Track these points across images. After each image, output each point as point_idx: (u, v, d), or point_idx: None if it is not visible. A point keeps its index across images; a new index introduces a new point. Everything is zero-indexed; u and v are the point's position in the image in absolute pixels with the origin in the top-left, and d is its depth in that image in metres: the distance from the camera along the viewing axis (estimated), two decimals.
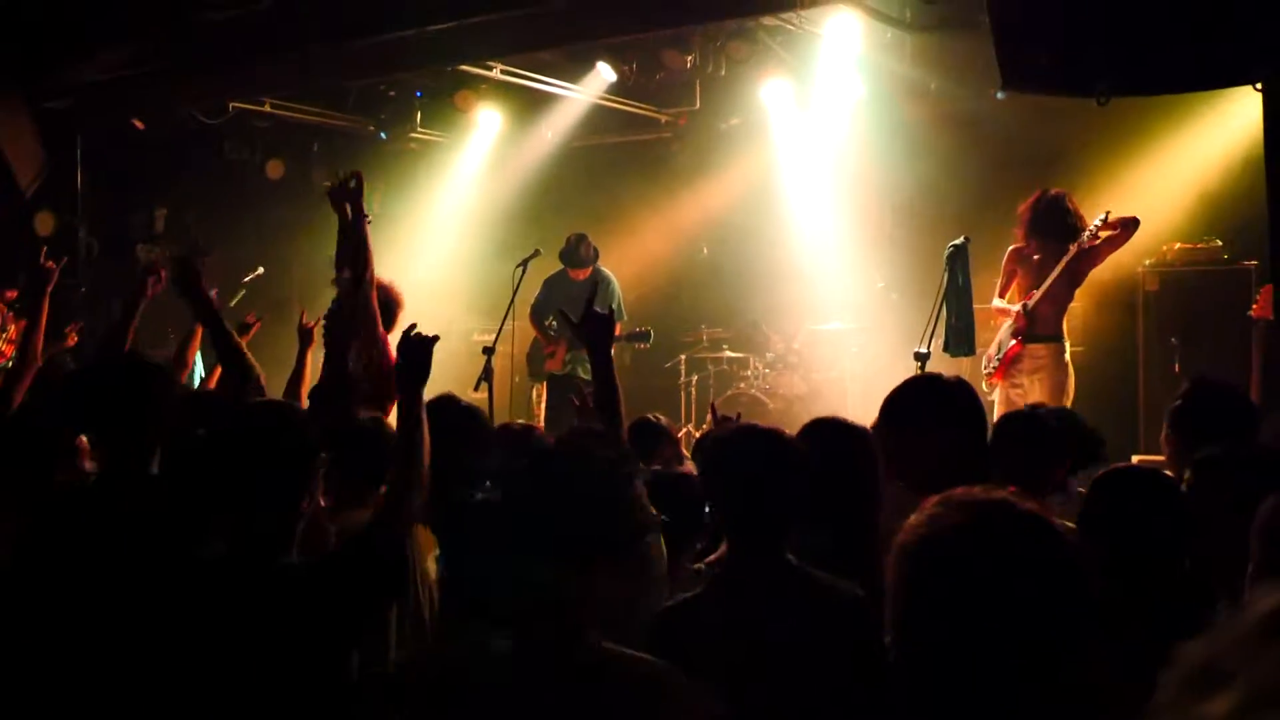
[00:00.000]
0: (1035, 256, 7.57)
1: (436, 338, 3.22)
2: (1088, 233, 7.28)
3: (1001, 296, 7.74)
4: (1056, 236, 7.44)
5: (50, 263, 5.22)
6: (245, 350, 4.42)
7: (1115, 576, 2.71)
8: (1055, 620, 1.61)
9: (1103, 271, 7.96)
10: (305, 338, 5.80)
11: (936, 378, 3.47)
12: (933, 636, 1.64)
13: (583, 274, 9.12)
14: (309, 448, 2.86)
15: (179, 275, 4.07)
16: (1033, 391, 7.38)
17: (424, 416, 3.03)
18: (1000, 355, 7.54)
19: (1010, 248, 7.74)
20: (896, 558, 1.68)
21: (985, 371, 7.63)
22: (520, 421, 5.24)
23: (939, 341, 7.06)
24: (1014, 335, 7.48)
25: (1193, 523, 2.76)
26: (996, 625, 1.60)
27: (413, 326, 3.28)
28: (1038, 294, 7.41)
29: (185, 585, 2.77)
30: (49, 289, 5.12)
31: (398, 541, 2.85)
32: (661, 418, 5.30)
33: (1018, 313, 7.46)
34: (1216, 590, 2.65)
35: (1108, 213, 7.31)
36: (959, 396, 3.25)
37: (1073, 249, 7.35)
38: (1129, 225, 7.39)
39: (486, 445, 4.00)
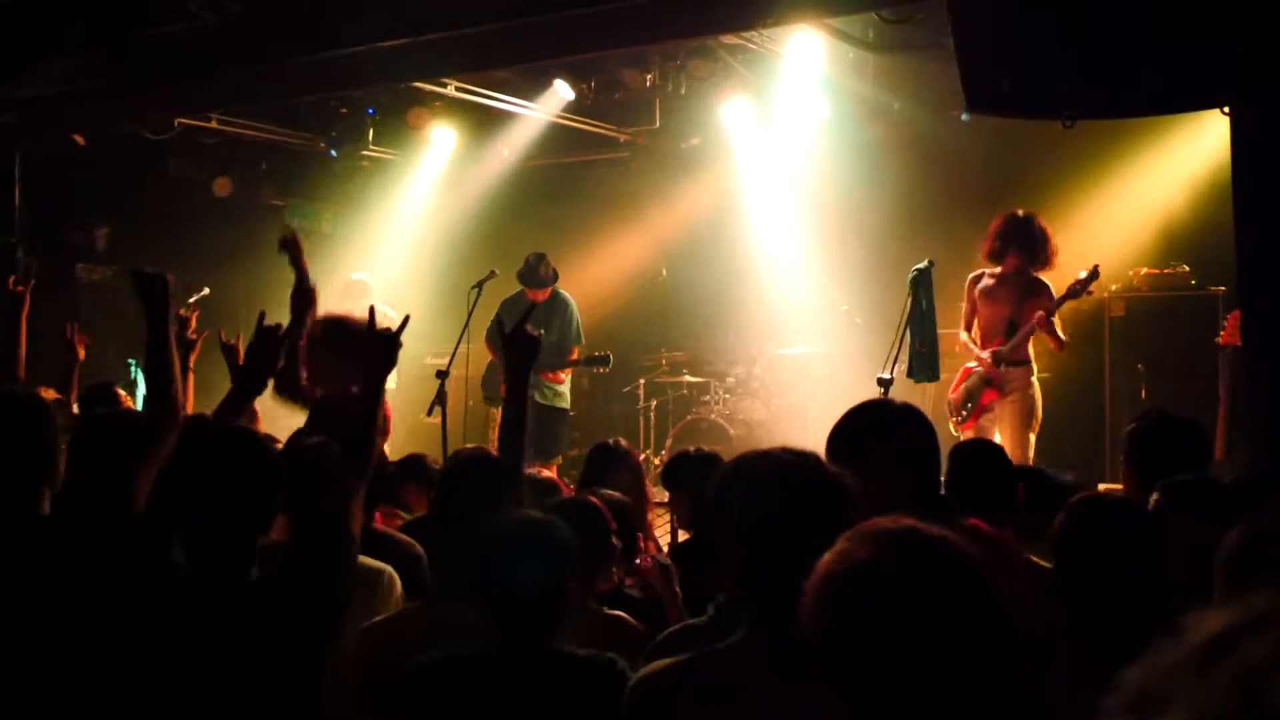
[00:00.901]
0: (991, 282, 7.60)
1: (400, 331, 3.28)
2: (1077, 282, 7.29)
3: (967, 328, 7.78)
4: (1026, 256, 7.48)
5: (19, 287, 5.19)
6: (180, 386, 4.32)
7: (1086, 601, 2.71)
8: (968, 642, 1.62)
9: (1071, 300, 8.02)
10: (228, 356, 5.60)
11: (881, 410, 3.32)
12: (850, 668, 1.64)
13: (541, 295, 9.06)
14: (268, 466, 2.90)
15: (150, 291, 3.82)
16: (1003, 416, 7.41)
17: (378, 409, 3.08)
18: (972, 406, 7.57)
19: (969, 276, 7.77)
20: (809, 599, 1.69)
21: (955, 419, 7.64)
22: (470, 445, 5.17)
23: (903, 367, 7.06)
24: (987, 383, 7.51)
25: (1160, 548, 2.76)
26: (913, 653, 1.61)
27: (372, 323, 3.30)
28: (1011, 343, 7.44)
29: (154, 606, 2.78)
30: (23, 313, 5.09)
31: (348, 540, 2.89)
32: (623, 441, 5.26)
33: (987, 360, 7.48)
34: (1180, 615, 2.64)
35: (1096, 266, 7.33)
36: (908, 430, 3.07)
37: (1051, 296, 7.37)
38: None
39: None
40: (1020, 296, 7.51)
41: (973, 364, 7.69)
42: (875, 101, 9.96)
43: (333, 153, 11.33)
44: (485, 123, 11.08)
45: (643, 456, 10.74)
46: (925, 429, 3.07)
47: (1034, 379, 7.53)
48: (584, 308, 9.48)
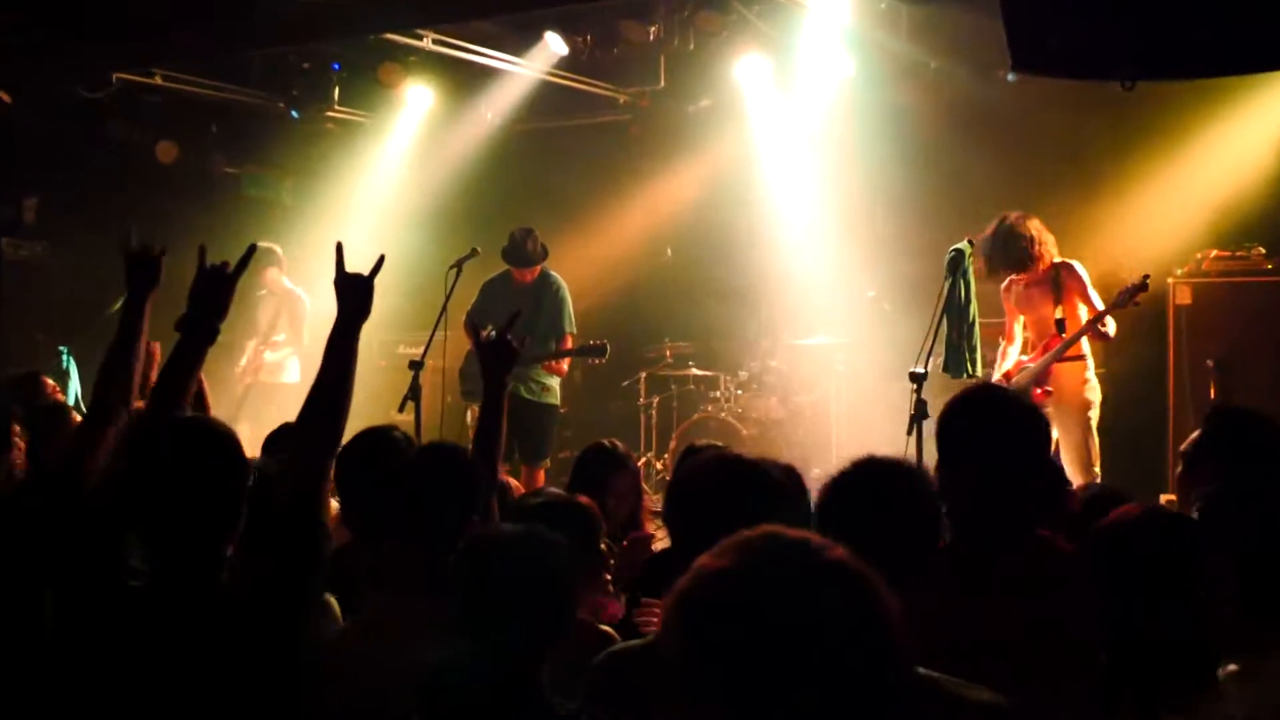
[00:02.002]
0: (1021, 288, 7.66)
1: (374, 273, 3.47)
2: (1122, 293, 7.33)
3: (1009, 340, 7.82)
4: (1009, 267, 7.56)
5: None
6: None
7: (1123, 633, 2.71)
8: (842, 661, 1.61)
9: (1128, 281, 8.01)
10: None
11: (875, 473, 3.21)
12: (705, 690, 1.64)
13: (529, 275, 9.04)
14: (238, 466, 2.95)
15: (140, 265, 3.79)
16: (1057, 418, 7.44)
17: (350, 367, 3.20)
18: None
19: (1001, 286, 7.83)
20: (666, 608, 1.71)
21: None
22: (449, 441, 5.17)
23: (938, 360, 7.07)
24: (1035, 384, 7.54)
25: (1200, 571, 2.76)
26: (775, 674, 1.61)
27: (340, 264, 3.44)
28: (1030, 369, 7.50)
29: (118, 618, 2.82)
30: None
31: (316, 509, 2.94)
32: (619, 444, 5.27)
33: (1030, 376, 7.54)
34: (1218, 642, 2.69)
35: (1146, 277, 7.35)
36: (908, 499, 2.98)
37: (1092, 312, 7.41)
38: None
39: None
40: (1055, 289, 7.56)
41: (1013, 361, 7.71)
42: (909, 60, 9.94)
43: (293, 114, 11.32)
44: (466, 81, 11.06)
45: (643, 460, 10.76)
46: (919, 498, 2.99)
47: (1089, 374, 7.55)
48: (577, 291, 9.46)
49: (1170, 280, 8.78)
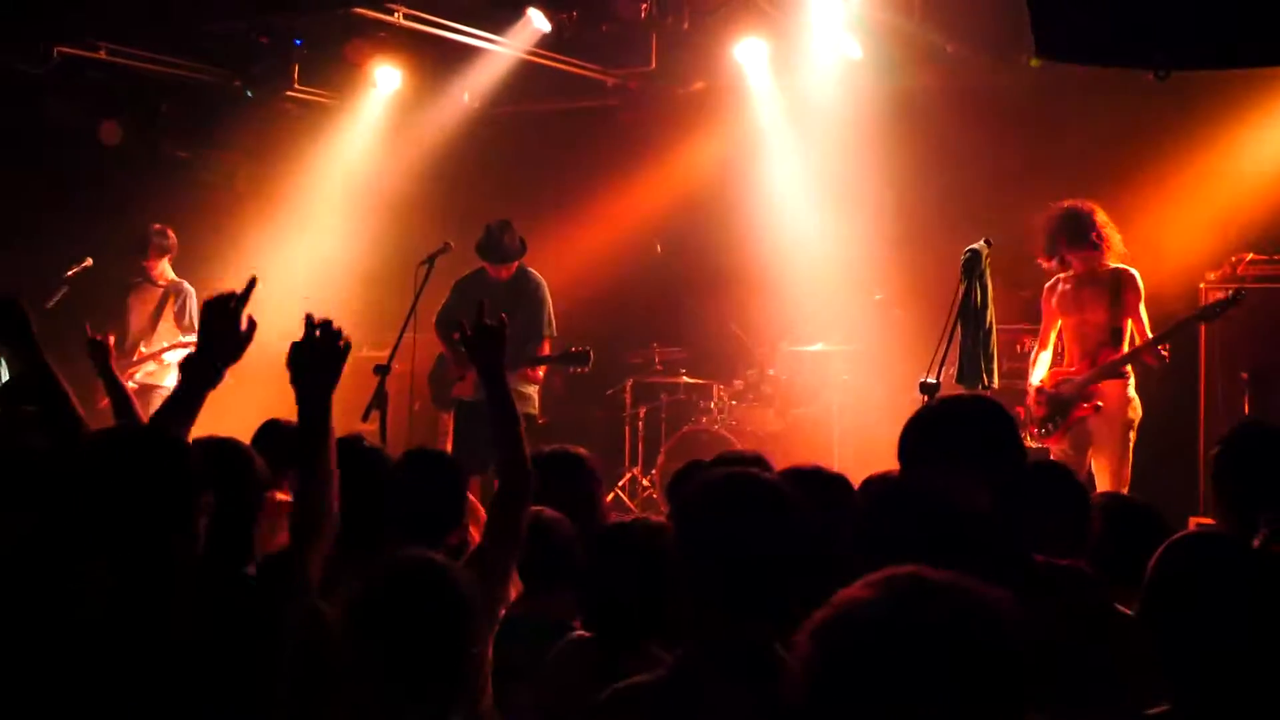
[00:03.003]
0: (1069, 288, 7.70)
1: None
2: (1213, 305, 7.43)
3: (1044, 345, 7.87)
4: (1074, 247, 7.62)
5: None
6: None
7: (1185, 669, 2.69)
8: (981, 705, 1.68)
9: (1156, 287, 8.05)
10: (96, 356, 5.50)
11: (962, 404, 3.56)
12: None
13: (505, 272, 9.05)
14: (188, 479, 3.01)
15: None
16: (1099, 435, 7.53)
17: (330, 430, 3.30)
18: (1061, 420, 7.69)
19: (1045, 285, 7.87)
20: (800, 651, 1.77)
21: (1036, 431, 7.75)
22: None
23: (952, 370, 7.09)
24: (1082, 397, 7.60)
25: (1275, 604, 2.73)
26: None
27: (309, 319, 3.47)
28: (1077, 381, 7.57)
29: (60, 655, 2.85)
30: None
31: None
32: (581, 450, 5.30)
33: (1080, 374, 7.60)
34: None
35: (1240, 290, 7.42)
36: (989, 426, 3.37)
37: (1140, 329, 7.53)
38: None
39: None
40: (1112, 295, 7.62)
41: (1045, 369, 7.76)
42: (922, 43, 9.97)
43: (250, 93, 11.31)
44: (440, 60, 11.06)
45: (628, 476, 10.79)
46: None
47: (1131, 390, 7.62)
48: (559, 290, 9.47)
49: (1202, 285, 8.85)
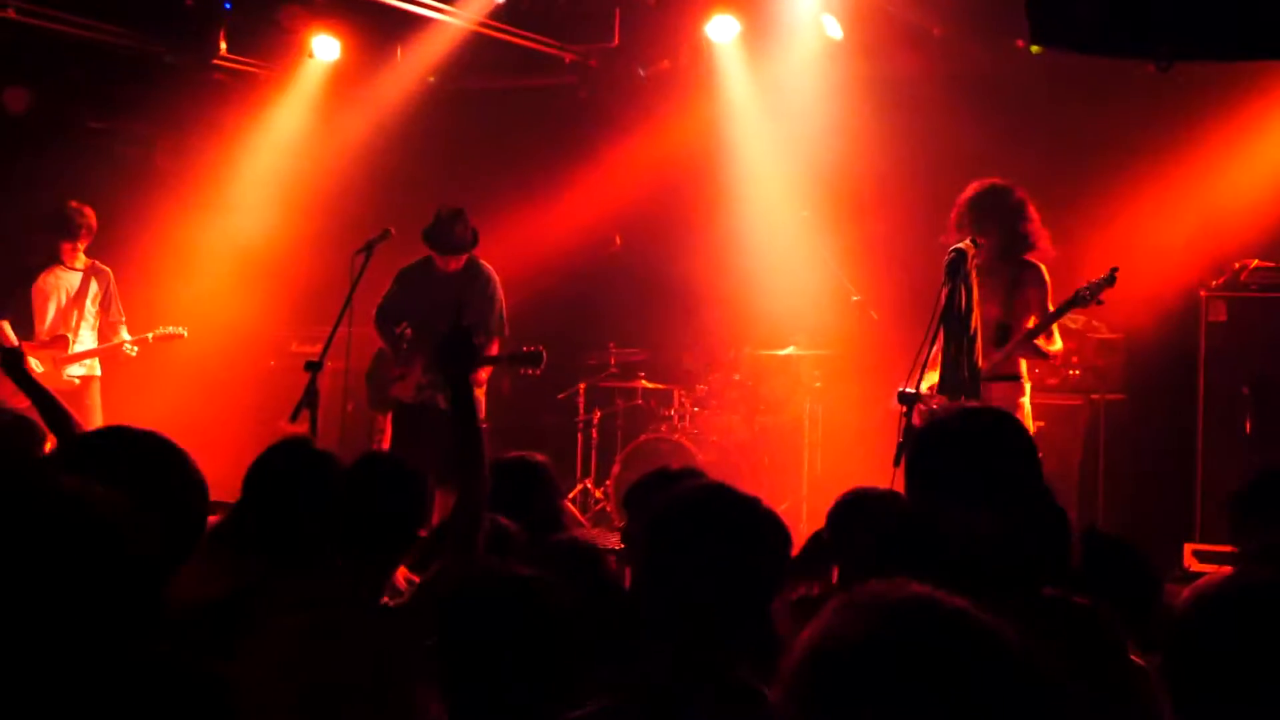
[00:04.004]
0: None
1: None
2: (1086, 287, 7.39)
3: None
4: (1003, 236, 7.64)
5: None
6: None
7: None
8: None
9: (1152, 294, 8.16)
10: (14, 362, 5.54)
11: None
12: None
13: (454, 263, 9.04)
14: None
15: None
16: None
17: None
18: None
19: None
20: (787, 685, 1.76)
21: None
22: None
23: (935, 378, 7.16)
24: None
25: None
26: None
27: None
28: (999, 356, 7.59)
29: None
30: None
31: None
32: (539, 457, 5.35)
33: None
34: None
35: (1114, 270, 7.41)
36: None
37: (1043, 284, 7.57)
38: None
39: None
40: (1009, 288, 7.64)
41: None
42: (908, 25, 10.04)
43: (173, 61, 11.27)
44: (384, 30, 11.05)
45: (579, 487, 10.82)
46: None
47: (1023, 400, 7.59)
48: (509, 284, 9.48)
49: (1203, 293, 8.92)
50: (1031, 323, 7.52)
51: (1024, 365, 7.62)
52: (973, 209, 7.70)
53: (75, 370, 9.78)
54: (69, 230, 9.88)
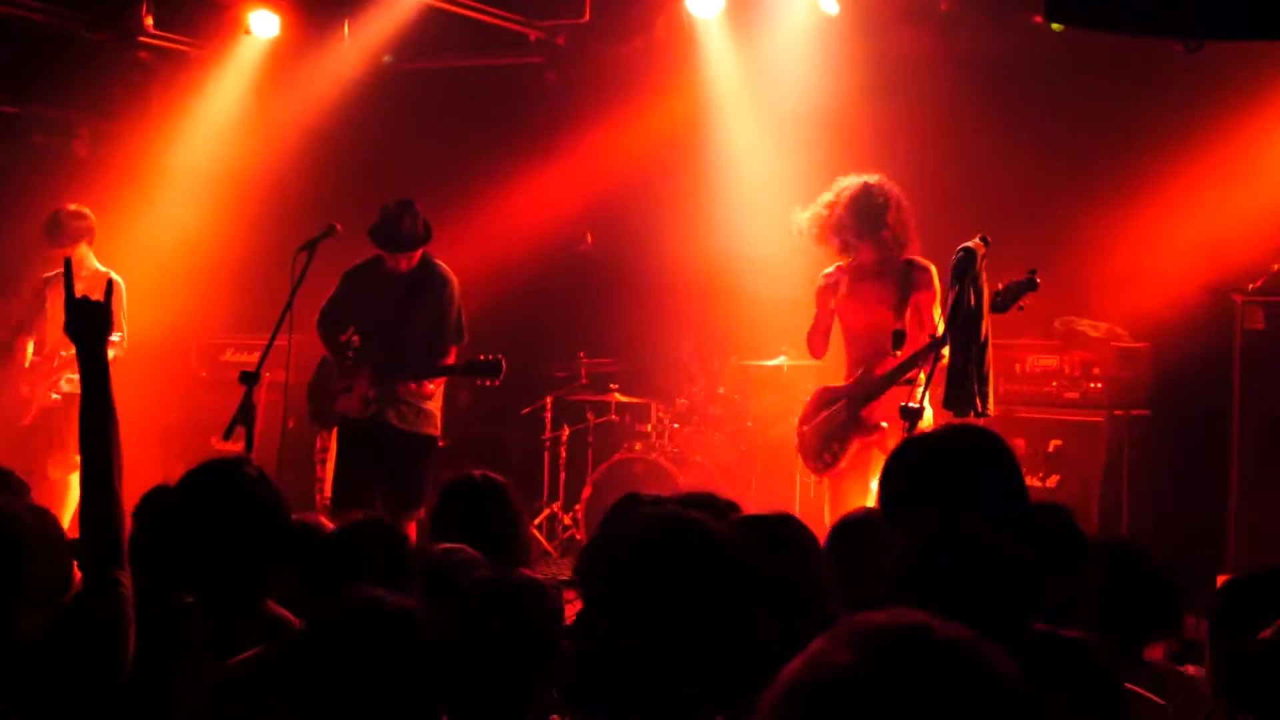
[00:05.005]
0: (848, 279, 7.91)
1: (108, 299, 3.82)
2: (1003, 290, 7.35)
3: (816, 354, 8.20)
4: (866, 235, 7.84)
5: None
6: None
7: None
8: None
9: (1180, 298, 8.15)
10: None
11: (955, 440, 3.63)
12: None
13: (405, 263, 9.01)
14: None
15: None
16: (864, 469, 7.64)
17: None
18: (839, 450, 7.87)
19: (820, 276, 8.13)
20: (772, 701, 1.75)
21: (813, 466, 8.07)
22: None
23: (940, 391, 7.14)
24: (856, 422, 7.73)
25: None
26: None
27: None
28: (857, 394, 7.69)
29: None
30: None
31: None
32: (496, 477, 5.32)
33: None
34: None
35: (1033, 273, 7.32)
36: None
37: (931, 285, 7.73)
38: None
39: None
40: (901, 292, 7.76)
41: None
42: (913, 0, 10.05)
43: (93, 37, 11.23)
44: (329, 3, 11.03)
45: (546, 512, 10.78)
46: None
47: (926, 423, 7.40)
48: (467, 285, 9.45)
49: (1238, 297, 8.85)
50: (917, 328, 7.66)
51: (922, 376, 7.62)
52: (841, 211, 7.89)
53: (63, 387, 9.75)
54: (65, 234, 9.80)
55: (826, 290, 8.03)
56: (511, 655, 3.47)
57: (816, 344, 8.14)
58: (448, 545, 4.46)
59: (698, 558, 2.77)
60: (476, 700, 3.42)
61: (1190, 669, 4.14)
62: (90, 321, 3.92)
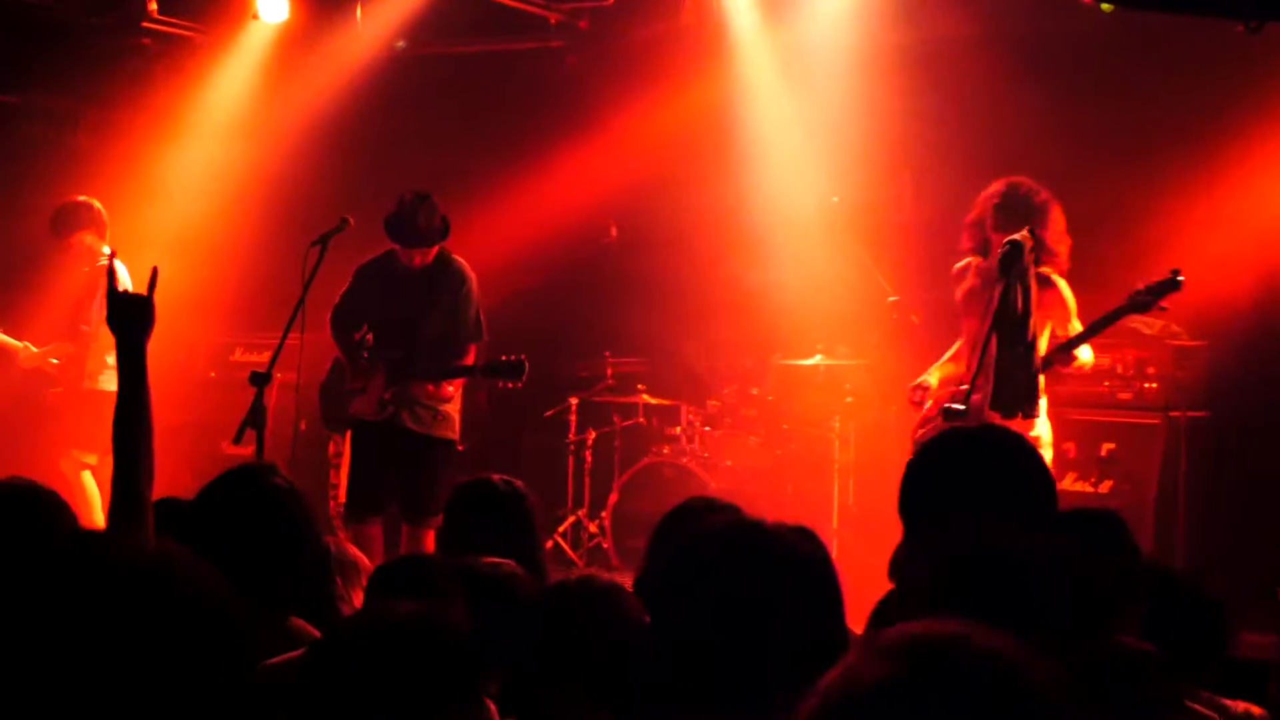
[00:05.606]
0: (976, 282, 7.78)
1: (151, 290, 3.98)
2: (1143, 291, 7.37)
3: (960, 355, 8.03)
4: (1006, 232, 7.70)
5: None
6: None
7: None
8: None
9: (1240, 293, 8.12)
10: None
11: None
12: None
13: (421, 258, 9.02)
14: None
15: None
16: None
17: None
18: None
19: (955, 267, 8.07)
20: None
21: None
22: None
23: (983, 393, 7.14)
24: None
25: None
26: None
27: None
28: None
29: None
30: None
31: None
32: (516, 482, 5.33)
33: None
34: None
35: (1176, 272, 7.36)
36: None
37: (1064, 302, 7.64)
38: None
39: None
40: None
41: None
42: None
43: (94, 24, 11.26)
44: None
45: (570, 520, 10.78)
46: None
47: (1037, 431, 7.49)
48: (486, 282, 9.46)
49: None
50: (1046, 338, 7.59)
51: (1041, 387, 7.62)
52: (998, 211, 7.75)
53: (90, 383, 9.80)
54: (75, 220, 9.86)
55: (956, 281, 8.04)
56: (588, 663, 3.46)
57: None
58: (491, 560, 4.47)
59: (781, 567, 2.83)
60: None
61: (1241, 705, 4.10)
62: (131, 316, 3.96)
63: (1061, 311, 7.64)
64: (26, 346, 9.88)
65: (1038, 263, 7.57)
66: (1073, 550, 3.12)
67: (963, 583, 3.00)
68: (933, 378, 7.93)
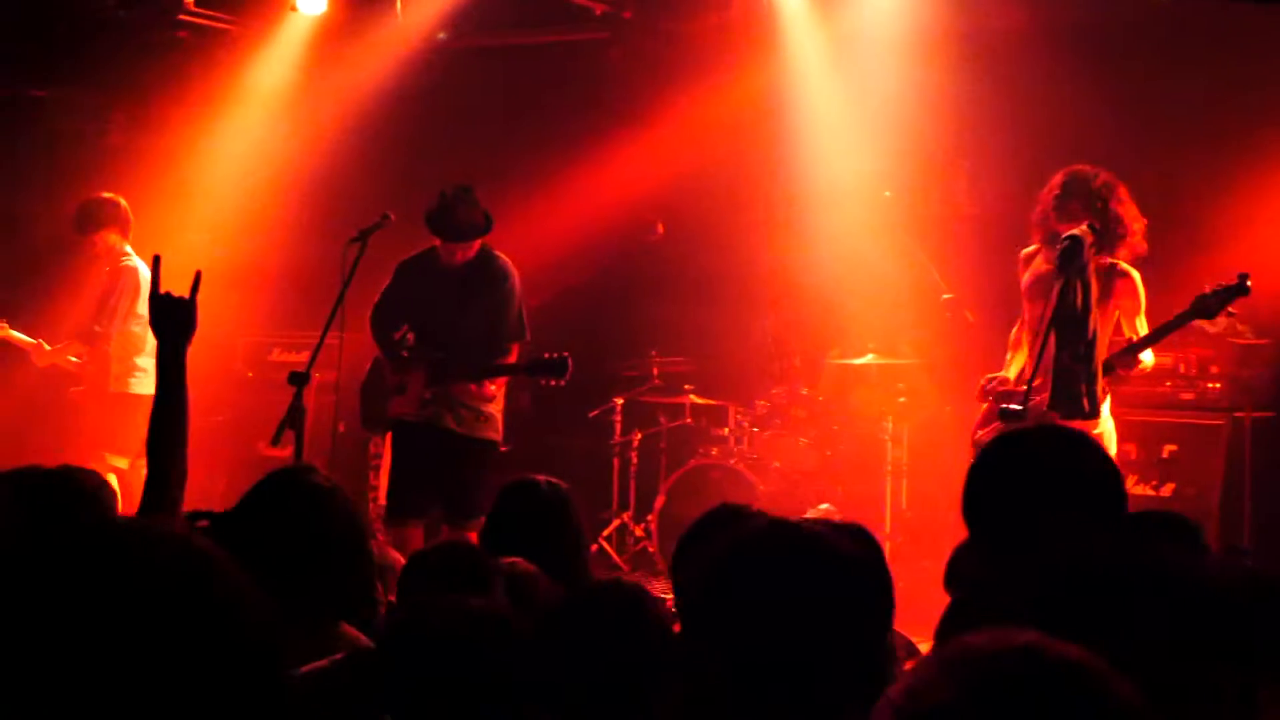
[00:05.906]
0: (1047, 268, 7.68)
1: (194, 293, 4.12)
2: (1209, 295, 7.32)
3: (1014, 347, 7.97)
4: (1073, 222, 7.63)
5: None
6: None
7: None
8: None
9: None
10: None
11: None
12: None
13: (463, 254, 9.02)
14: None
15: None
16: None
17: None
18: None
19: (1022, 252, 8.00)
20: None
21: None
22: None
23: (1041, 394, 7.11)
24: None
25: None
26: None
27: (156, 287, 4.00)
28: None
29: None
30: None
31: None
32: (560, 484, 5.36)
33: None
34: None
35: (1244, 276, 7.29)
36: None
37: (1135, 294, 7.55)
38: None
39: None
40: (1100, 292, 7.51)
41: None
42: None
43: (128, 16, 11.30)
44: None
45: (616, 523, 10.79)
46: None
47: (1101, 429, 7.42)
48: (531, 282, 9.47)
49: None
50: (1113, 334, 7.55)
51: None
52: (1059, 201, 7.73)
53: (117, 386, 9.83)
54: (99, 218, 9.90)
55: (1023, 268, 7.97)
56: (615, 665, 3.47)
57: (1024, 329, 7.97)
58: (510, 559, 4.48)
59: (825, 571, 2.79)
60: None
61: None
62: (174, 319, 3.99)
63: (1132, 303, 7.55)
64: (40, 344, 9.90)
65: (1112, 250, 7.53)
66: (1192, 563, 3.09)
67: (1072, 597, 2.97)
68: (1009, 372, 7.88)
